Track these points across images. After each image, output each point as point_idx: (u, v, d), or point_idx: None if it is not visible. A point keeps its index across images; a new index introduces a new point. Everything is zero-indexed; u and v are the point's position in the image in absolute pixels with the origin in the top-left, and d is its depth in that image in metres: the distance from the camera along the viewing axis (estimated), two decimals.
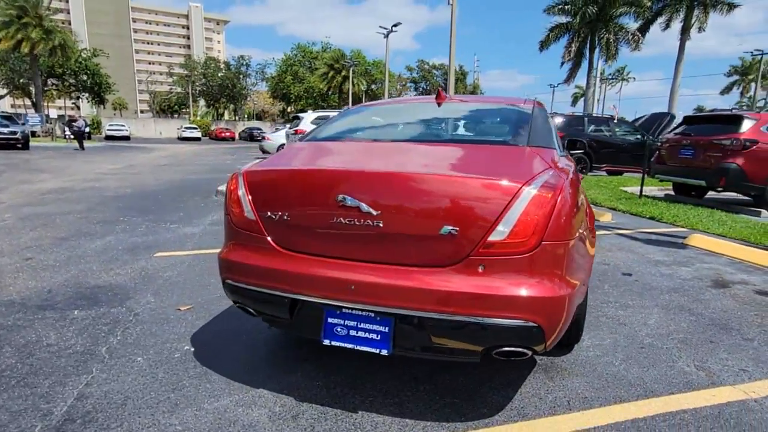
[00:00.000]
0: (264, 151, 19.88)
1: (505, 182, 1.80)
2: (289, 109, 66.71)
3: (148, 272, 3.92)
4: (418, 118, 2.99)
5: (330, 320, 1.95)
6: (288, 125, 22.66)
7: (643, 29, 30.07)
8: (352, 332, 1.92)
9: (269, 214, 2.05)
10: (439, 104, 3.04)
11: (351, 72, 47.23)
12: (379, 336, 1.89)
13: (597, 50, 30.51)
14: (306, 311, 2.01)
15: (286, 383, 2.27)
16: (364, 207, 1.85)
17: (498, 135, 2.55)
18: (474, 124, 2.89)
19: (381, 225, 1.84)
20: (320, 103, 57.48)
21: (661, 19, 29.12)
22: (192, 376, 2.31)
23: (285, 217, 2.01)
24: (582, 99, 77.16)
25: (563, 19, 30.82)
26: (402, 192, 1.86)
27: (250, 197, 2.11)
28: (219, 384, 2.25)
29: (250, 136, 45.72)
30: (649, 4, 29.24)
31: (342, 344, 1.93)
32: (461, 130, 2.84)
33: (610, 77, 63.45)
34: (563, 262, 1.80)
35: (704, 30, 29.24)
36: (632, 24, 30.17)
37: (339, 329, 1.94)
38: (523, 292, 1.73)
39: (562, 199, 1.79)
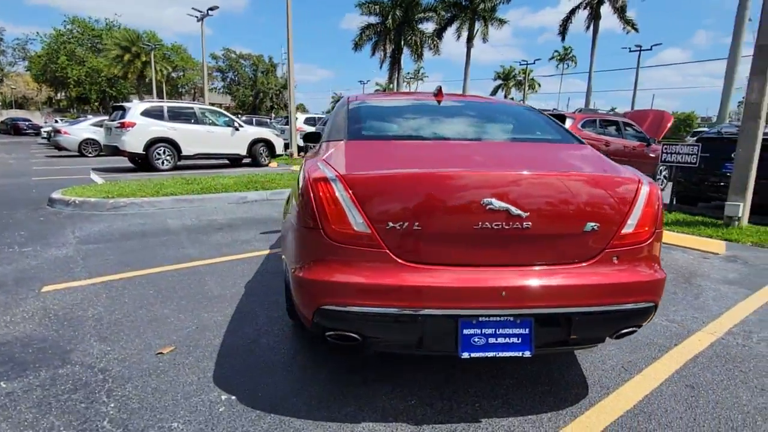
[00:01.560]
0: (60, 148, 16.38)
1: (630, 178, 1.95)
2: (59, 96, 55.56)
3: (59, 313, 2.95)
4: (451, 115, 2.94)
5: (466, 332, 1.84)
6: (93, 117, 19.00)
7: (439, 34, 34.14)
8: (491, 340, 1.85)
9: (391, 224, 1.81)
10: (439, 102, 3.05)
11: (152, 57, 41.79)
12: (520, 339, 1.86)
13: (406, 51, 33.41)
14: (437, 327, 1.84)
15: (380, 404, 2.04)
16: (514, 210, 1.79)
17: (547, 133, 2.68)
18: (507, 123, 2.96)
19: (529, 226, 1.81)
20: (108, 90, 49.47)
21: (454, 29, 33.42)
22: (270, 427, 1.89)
23: (415, 227, 1.80)
24: None
25: (374, 20, 32.92)
26: (550, 192, 1.85)
27: (360, 207, 1.82)
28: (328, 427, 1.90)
29: (14, 129, 36.72)
30: (443, 13, 33.28)
31: (482, 354, 1.84)
32: (506, 129, 2.89)
33: (408, 77, 70.00)
34: (660, 247, 2.05)
35: (487, 40, 34.65)
36: (432, 29, 33.97)
37: (476, 339, 1.84)
38: (649, 276, 1.92)
39: (659, 191, 2.04)
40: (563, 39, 33.86)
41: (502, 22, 34.21)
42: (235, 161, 13.27)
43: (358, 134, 2.45)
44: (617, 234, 1.89)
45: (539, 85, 66.99)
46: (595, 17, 30.57)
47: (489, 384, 2.27)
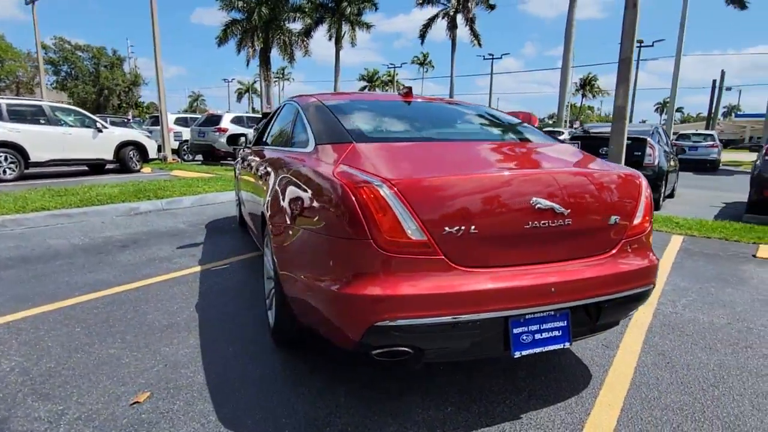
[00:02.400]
0: None
1: (635, 173, 2.15)
2: None
3: None
4: (440, 117, 2.89)
5: (515, 331, 1.85)
6: None
7: (307, 34, 33.87)
8: (537, 336, 1.89)
9: (447, 229, 1.73)
10: (409, 102, 3.02)
11: None
12: (560, 332, 1.93)
13: (275, 50, 32.41)
14: (490, 329, 1.82)
15: (420, 417, 1.96)
16: (558, 208, 1.84)
17: (535, 133, 2.78)
18: (497, 123, 2.98)
19: (570, 223, 1.88)
20: None
21: (324, 30, 33.47)
22: None
23: (471, 231, 1.75)
24: (246, 95, 79.91)
25: (239, 16, 31.33)
26: (583, 189, 1.94)
27: (415, 213, 1.71)
28: None
29: None
30: (311, 14, 33.09)
31: (530, 351, 1.87)
32: (503, 129, 2.89)
33: (273, 76, 68.08)
34: None
35: (356, 44, 35.35)
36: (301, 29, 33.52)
37: (525, 337, 1.87)
38: (652, 261, 2.14)
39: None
40: (422, 43, 36.09)
41: (368, 26, 35.22)
42: (97, 168, 11.55)
43: (362, 136, 2.29)
44: (631, 225, 2.07)
45: (403, 87, 70.28)
46: (452, 26, 33.15)
47: (507, 379, 2.32)
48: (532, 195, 1.82)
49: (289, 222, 2.16)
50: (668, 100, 29.85)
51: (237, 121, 15.08)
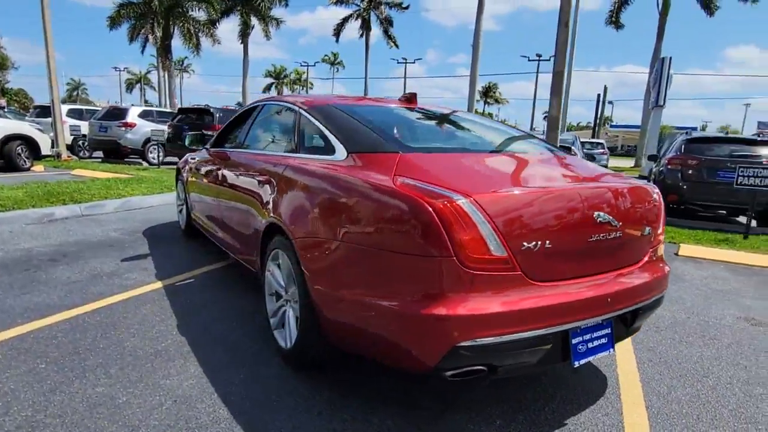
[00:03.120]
0: None
1: (652, 186, 2.31)
2: None
3: None
4: (465, 126, 2.83)
5: (574, 341, 1.90)
6: None
7: (213, 24, 31.98)
8: (589, 344, 1.96)
9: (525, 245, 1.72)
10: (411, 109, 2.97)
11: None
12: (606, 339, 2.02)
13: (177, 39, 30.17)
14: (556, 342, 1.85)
15: None
16: (614, 221, 1.92)
17: (545, 143, 2.83)
18: (511, 132, 2.97)
19: (620, 235, 1.97)
20: None
21: (230, 23, 31.84)
22: None
23: (546, 245, 1.75)
24: (138, 86, 73.49)
25: None
26: (628, 201, 2.04)
27: (497, 228, 1.67)
28: None
29: None
30: (217, 3, 31.30)
31: (585, 360, 1.93)
32: (523, 140, 2.87)
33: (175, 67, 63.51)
34: None
35: (270, 37, 34.15)
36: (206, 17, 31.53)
37: (581, 347, 1.93)
38: (667, 267, 2.33)
39: None
40: (337, 42, 35.93)
41: (278, 21, 34.22)
42: None
43: (406, 146, 2.18)
44: (656, 234, 2.23)
45: (311, 86, 69.50)
46: (366, 28, 33.45)
47: (535, 387, 2.37)
48: (595, 209, 1.88)
49: (331, 238, 1.99)
50: None
51: (145, 115, 13.77)
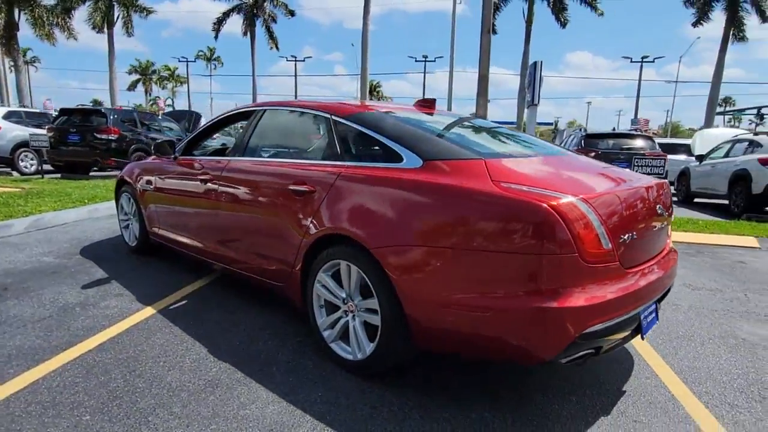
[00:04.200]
0: None
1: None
2: None
3: None
4: (500, 132, 2.95)
5: (642, 316, 2.19)
6: None
7: (68, 12, 28.15)
8: (648, 319, 2.27)
9: (622, 238, 1.95)
10: (431, 114, 3.08)
11: None
12: (654, 314, 2.35)
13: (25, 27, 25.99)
14: (636, 320, 2.11)
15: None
16: (664, 212, 2.25)
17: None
18: (519, 135, 3.15)
19: (665, 224, 2.31)
20: None
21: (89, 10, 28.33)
22: None
23: (632, 236, 2.00)
24: None
25: None
26: (665, 194, 2.39)
27: (604, 225, 1.87)
28: None
29: None
30: None
31: (647, 332, 2.24)
32: (540, 142, 3.05)
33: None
34: None
35: (132, 33, 30.98)
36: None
37: (644, 322, 2.23)
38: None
39: None
40: (216, 38, 33.90)
41: (148, 11, 31.35)
42: None
43: (483, 153, 2.29)
44: (670, 222, 2.63)
45: (185, 82, 64.61)
46: (250, 24, 32.12)
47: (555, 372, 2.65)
48: (657, 201, 2.20)
49: (430, 245, 2.01)
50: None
51: (11, 116, 11.76)
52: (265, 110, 3.26)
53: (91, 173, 11.45)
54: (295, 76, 37.81)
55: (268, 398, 2.20)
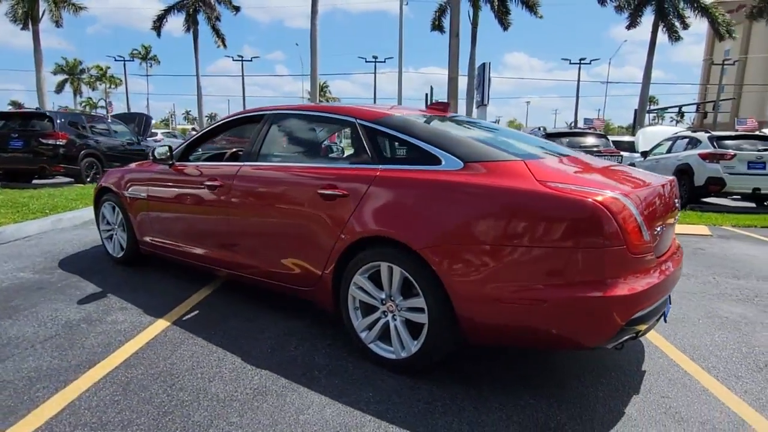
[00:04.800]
0: None
1: None
2: None
3: None
4: (511, 133, 3.04)
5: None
6: None
7: None
8: (667, 306, 2.48)
9: (655, 230, 2.15)
10: (444, 117, 3.19)
11: None
12: (669, 300, 2.57)
13: None
14: (664, 307, 2.32)
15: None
16: (678, 205, 2.47)
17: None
18: (522, 135, 3.28)
19: (678, 217, 2.53)
20: None
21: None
22: None
23: (661, 229, 2.20)
24: None
25: None
26: (677, 189, 2.62)
27: (643, 219, 2.05)
28: None
29: None
30: None
31: (666, 316, 2.46)
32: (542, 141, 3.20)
33: None
34: None
35: (61, 25, 29.03)
36: None
37: (666, 308, 2.44)
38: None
39: None
40: (159, 36, 32.36)
41: (78, 7, 29.47)
42: None
43: (520, 154, 2.42)
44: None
45: (120, 82, 61.17)
46: (192, 23, 30.90)
47: (578, 359, 2.86)
48: (675, 196, 2.41)
49: (482, 244, 2.10)
50: None
51: None
52: (277, 114, 3.23)
53: (34, 181, 10.66)
54: (242, 76, 36.82)
55: (322, 402, 2.22)
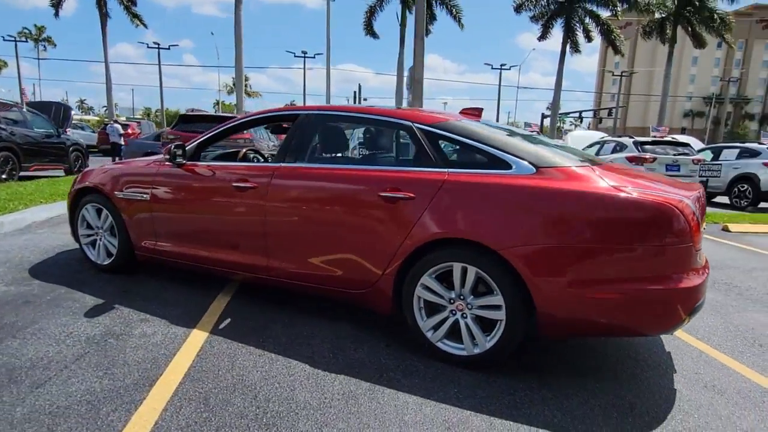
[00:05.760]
0: None
1: None
2: None
3: None
4: (542, 137, 3.19)
5: None
6: None
7: None
8: None
9: (702, 228, 2.45)
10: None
11: None
12: None
13: None
14: None
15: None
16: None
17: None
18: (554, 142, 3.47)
19: None
20: None
21: None
22: None
23: (703, 227, 2.51)
24: None
25: None
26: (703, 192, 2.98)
27: (699, 219, 2.34)
28: None
29: None
30: None
31: None
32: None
33: None
34: None
35: None
36: None
37: None
38: None
39: None
40: (57, 15, 29.10)
41: None
42: None
43: (580, 160, 2.62)
44: None
45: (4, 65, 54.06)
46: (103, 3, 28.14)
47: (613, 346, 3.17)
48: (703, 197, 2.74)
49: (566, 245, 2.25)
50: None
51: None
52: (318, 115, 3.16)
53: None
54: (159, 65, 34.08)
55: (416, 401, 2.26)
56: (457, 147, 2.76)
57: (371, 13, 28.14)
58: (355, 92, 32.86)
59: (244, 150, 4.00)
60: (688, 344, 3.06)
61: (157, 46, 34.12)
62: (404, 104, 28.32)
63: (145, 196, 3.62)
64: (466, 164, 2.70)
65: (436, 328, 2.65)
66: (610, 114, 37.28)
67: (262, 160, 4.06)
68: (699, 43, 28.60)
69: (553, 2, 27.69)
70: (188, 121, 9.08)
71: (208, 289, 3.62)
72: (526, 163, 2.51)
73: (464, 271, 2.52)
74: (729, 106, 68.04)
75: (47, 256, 4.41)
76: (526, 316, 2.42)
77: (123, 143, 14.77)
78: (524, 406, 2.26)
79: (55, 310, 3.15)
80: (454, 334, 2.63)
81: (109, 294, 3.49)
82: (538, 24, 29.00)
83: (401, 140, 2.91)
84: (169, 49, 33.71)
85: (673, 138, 13.06)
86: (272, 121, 3.45)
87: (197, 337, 2.85)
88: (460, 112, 3.44)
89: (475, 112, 3.37)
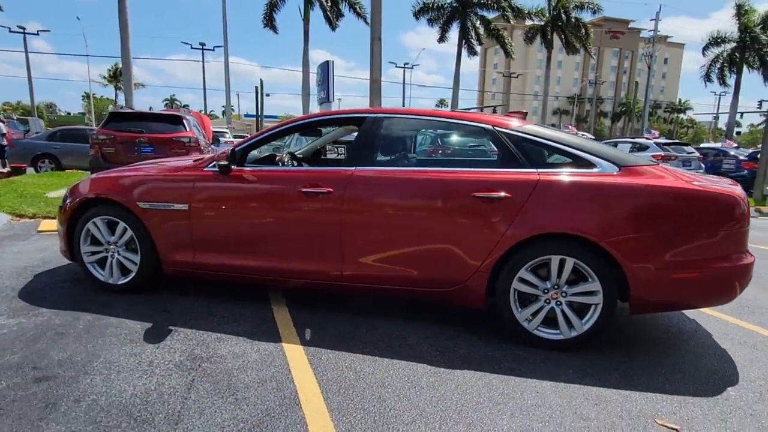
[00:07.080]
0: None
1: None
2: None
3: None
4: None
5: None
6: None
7: None
8: None
9: None
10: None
11: None
12: None
13: None
14: None
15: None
16: None
17: None
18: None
19: None
20: None
21: None
22: None
23: None
24: None
25: None
26: None
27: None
28: None
29: None
30: None
31: None
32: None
33: None
34: None
35: None
36: None
37: None
38: None
39: None
40: None
41: None
42: None
43: (648, 160, 2.98)
44: None
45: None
46: None
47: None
48: None
49: (662, 234, 2.60)
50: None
51: None
52: (391, 119, 3.17)
53: None
54: (26, 52, 29.01)
55: (543, 386, 2.45)
56: (539, 149, 2.98)
57: (272, 7, 27.30)
58: (256, 87, 31.42)
59: (283, 153, 3.81)
60: (720, 319, 3.57)
61: (22, 30, 29.04)
62: (312, 101, 28.04)
63: (179, 205, 3.30)
64: (552, 165, 2.94)
65: (532, 316, 2.86)
66: (494, 111, 40.50)
67: (297, 163, 3.90)
68: (570, 49, 32.43)
69: (449, 6, 29.33)
70: (120, 120, 8.09)
71: (254, 300, 3.43)
72: (609, 163, 2.82)
73: (561, 263, 2.76)
74: (588, 104, 77.73)
75: (27, 280, 3.78)
76: (616, 299, 2.74)
77: (6, 143, 12.63)
78: (633, 378, 2.57)
79: (106, 340, 2.77)
80: (545, 321, 2.86)
81: (148, 315, 3.14)
82: (434, 26, 30.48)
83: (482, 143, 3.05)
84: (38, 34, 28.71)
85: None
86: (340, 124, 3.37)
87: (293, 351, 2.72)
88: (505, 115, 3.66)
89: (520, 116, 3.61)
